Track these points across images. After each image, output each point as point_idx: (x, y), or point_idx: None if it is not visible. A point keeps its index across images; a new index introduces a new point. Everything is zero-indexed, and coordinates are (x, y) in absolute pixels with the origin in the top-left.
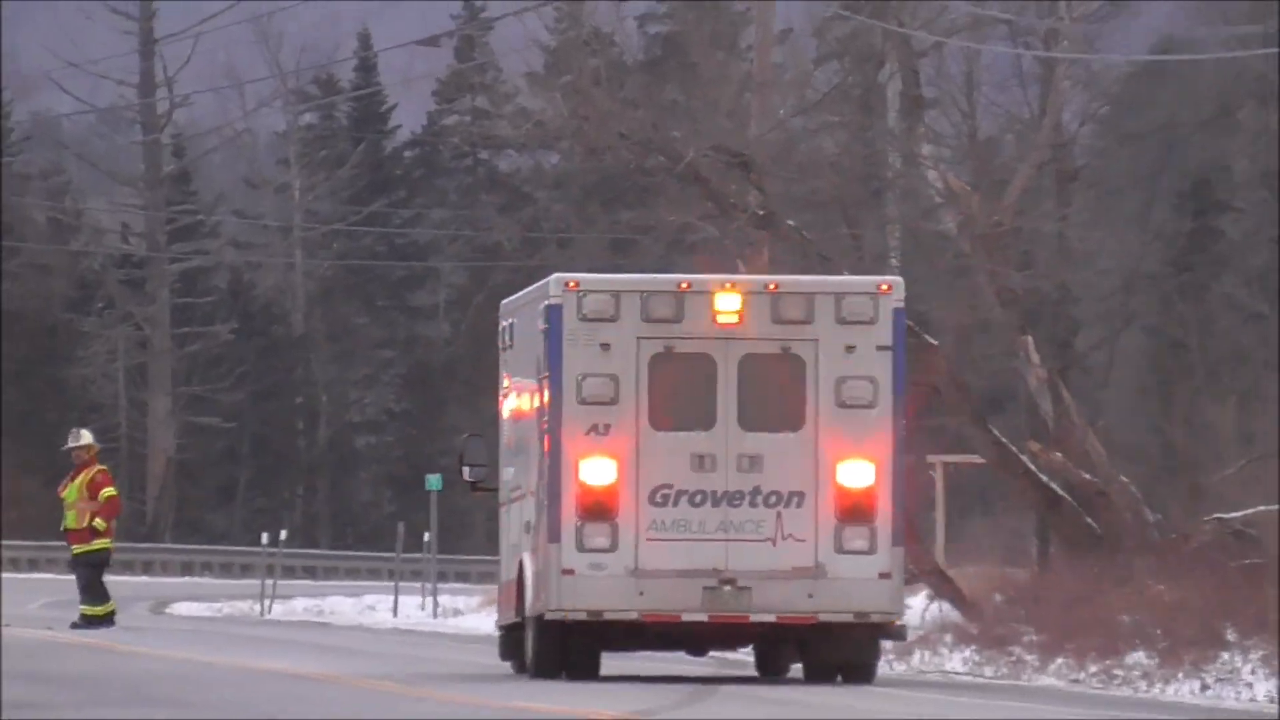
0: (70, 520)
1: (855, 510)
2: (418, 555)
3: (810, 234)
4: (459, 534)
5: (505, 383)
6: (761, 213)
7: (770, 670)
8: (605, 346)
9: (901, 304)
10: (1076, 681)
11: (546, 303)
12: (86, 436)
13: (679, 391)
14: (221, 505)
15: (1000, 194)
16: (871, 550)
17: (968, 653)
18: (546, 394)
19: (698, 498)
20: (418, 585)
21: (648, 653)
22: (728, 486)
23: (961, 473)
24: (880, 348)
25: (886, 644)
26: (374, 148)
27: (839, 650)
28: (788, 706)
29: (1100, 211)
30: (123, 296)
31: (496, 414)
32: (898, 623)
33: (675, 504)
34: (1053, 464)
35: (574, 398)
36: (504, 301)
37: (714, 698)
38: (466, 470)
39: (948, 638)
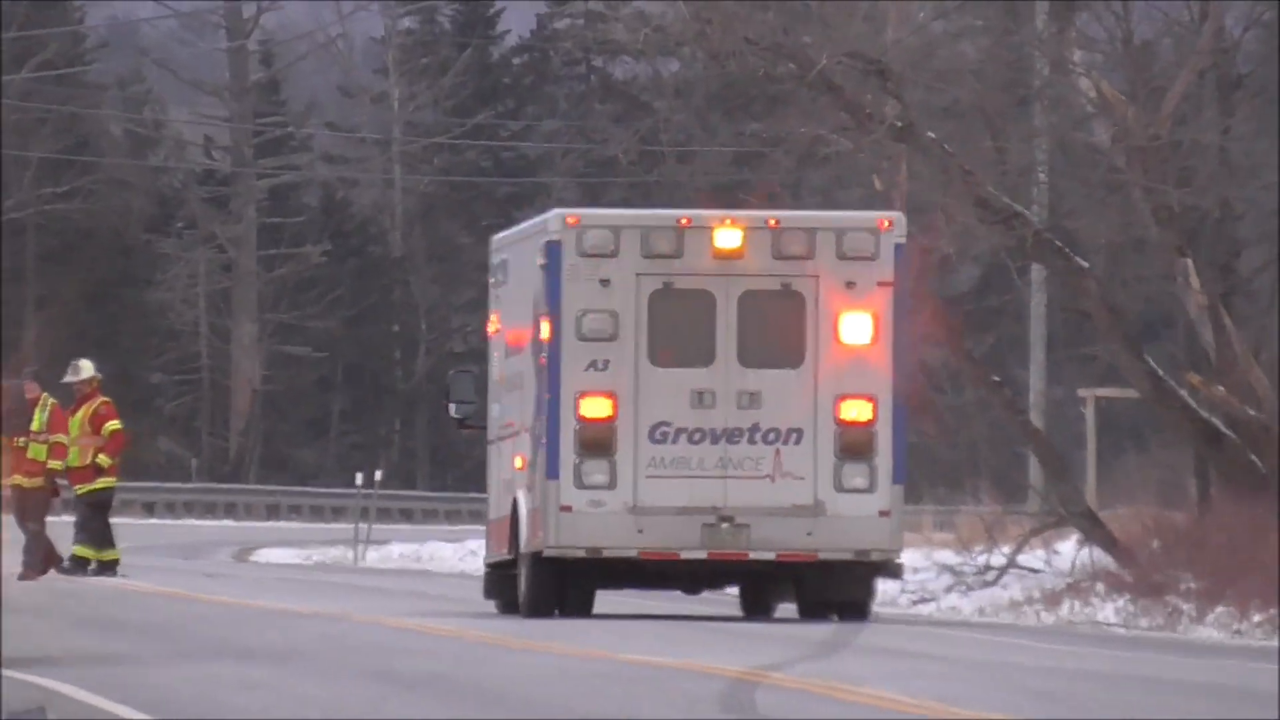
0: (72, 458)
1: (855, 447)
2: None
3: (951, 147)
4: None
5: (495, 319)
6: (899, 124)
7: (756, 610)
8: (605, 282)
9: (903, 239)
10: (1238, 633)
11: (546, 238)
12: (87, 368)
13: (679, 328)
14: (311, 442)
15: (1157, 103)
16: (871, 488)
17: (1121, 602)
18: (545, 330)
19: (696, 435)
20: None
21: (640, 591)
22: (727, 423)
23: (1114, 407)
24: (881, 283)
25: (1032, 593)
26: (479, 54)
27: (836, 588)
28: (918, 660)
29: (1265, 122)
30: (206, 215)
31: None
32: (896, 560)
33: (674, 441)
34: (1214, 397)
35: (574, 334)
36: (495, 237)
37: (843, 652)
38: (453, 407)
39: (1099, 586)
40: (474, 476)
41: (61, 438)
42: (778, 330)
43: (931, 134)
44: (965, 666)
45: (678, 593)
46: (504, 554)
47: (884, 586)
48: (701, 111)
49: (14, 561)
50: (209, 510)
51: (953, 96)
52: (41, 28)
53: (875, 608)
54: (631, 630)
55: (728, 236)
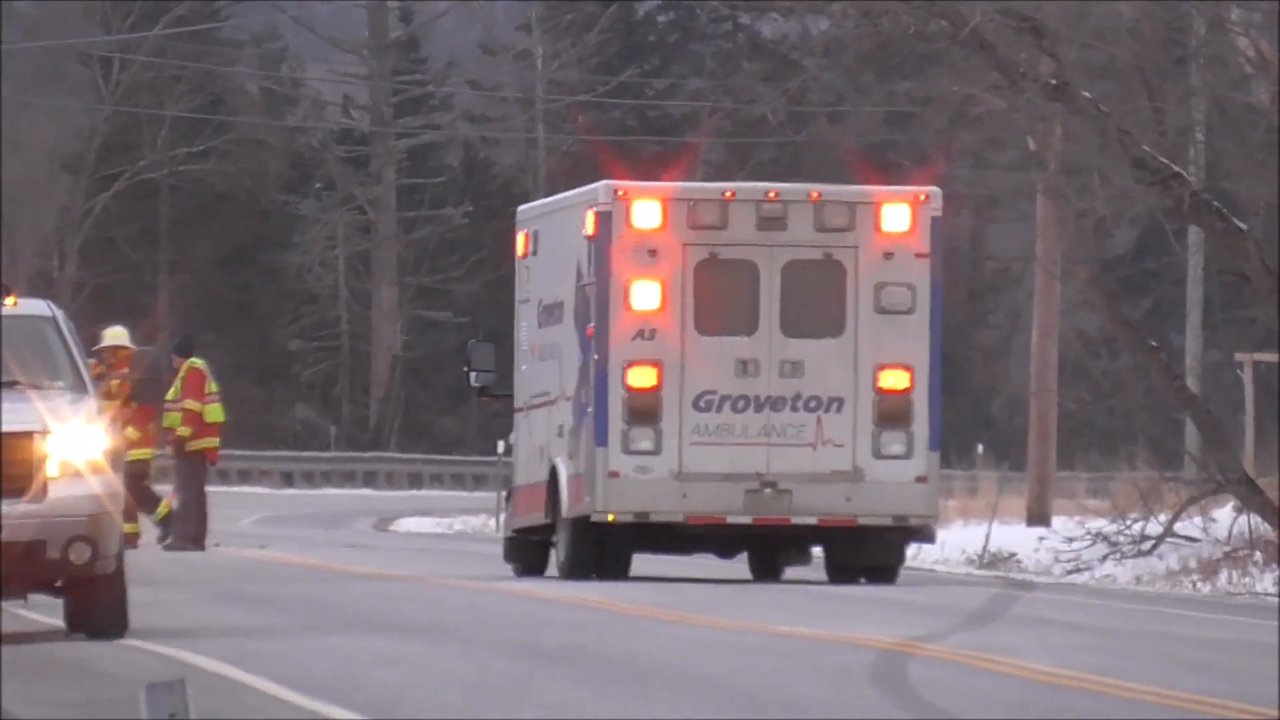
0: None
1: (893, 415)
2: None
3: (1107, 107)
4: None
5: (525, 289)
6: (1054, 83)
7: (764, 574)
8: (653, 253)
9: (940, 213)
10: None
11: (595, 209)
12: (114, 335)
13: (723, 297)
14: (453, 410)
15: None
16: (909, 455)
17: None
18: (592, 300)
19: (740, 403)
20: None
21: (674, 555)
22: (770, 391)
23: (1273, 371)
24: (918, 255)
25: (1189, 562)
26: (625, 11)
27: (868, 552)
28: (1073, 631)
29: None
30: (344, 176)
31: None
32: (932, 525)
33: (719, 409)
34: None
35: (621, 303)
36: (521, 208)
37: (996, 623)
38: (473, 376)
39: (1257, 555)
40: None
41: (191, 404)
42: (819, 300)
43: (1087, 93)
44: (1121, 638)
45: (710, 556)
46: (536, 518)
47: (1038, 555)
48: (851, 70)
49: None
50: (348, 479)
51: (1109, 55)
52: None
53: (1032, 573)
54: (768, 600)
55: (771, 209)
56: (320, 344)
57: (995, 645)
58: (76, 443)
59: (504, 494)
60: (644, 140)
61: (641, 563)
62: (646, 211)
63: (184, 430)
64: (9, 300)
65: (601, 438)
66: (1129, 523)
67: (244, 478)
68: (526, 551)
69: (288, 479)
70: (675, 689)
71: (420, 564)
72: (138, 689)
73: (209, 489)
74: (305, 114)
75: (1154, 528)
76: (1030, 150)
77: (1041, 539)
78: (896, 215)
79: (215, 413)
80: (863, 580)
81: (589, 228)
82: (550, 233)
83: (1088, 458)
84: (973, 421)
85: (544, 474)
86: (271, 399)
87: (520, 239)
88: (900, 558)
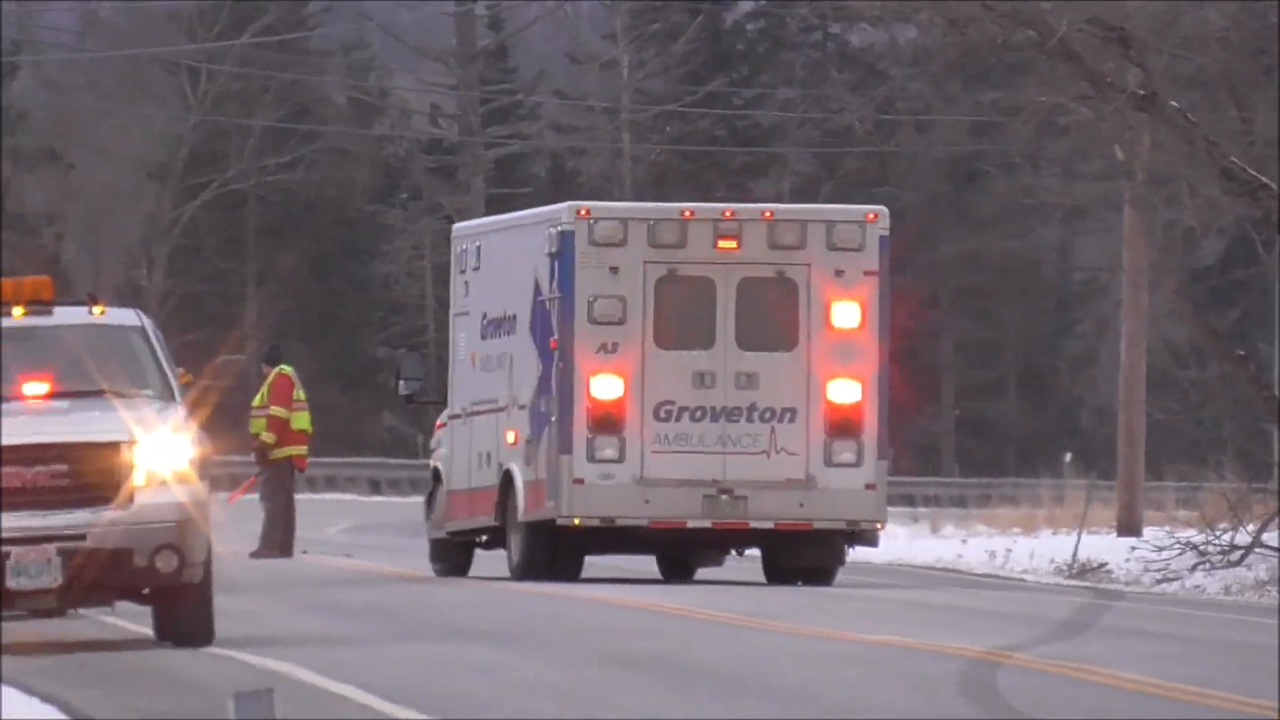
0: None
1: (843, 425)
2: None
3: (1195, 117)
4: None
5: (463, 302)
6: (1142, 93)
7: (675, 575)
8: (614, 270)
9: (887, 232)
10: None
11: (559, 228)
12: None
13: (682, 313)
14: None
15: None
16: (858, 463)
17: None
18: (554, 314)
19: (698, 413)
20: None
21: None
22: (726, 402)
23: None
24: (867, 272)
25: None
26: (712, 20)
27: (809, 555)
28: (1162, 641)
29: None
30: (431, 185)
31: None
32: (877, 530)
33: (678, 419)
34: None
35: (585, 318)
36: (458, 225)
37: (1086, 632)
38: (401, 384)
39: None
40: None
41: (278, 410)
42: (773, 316)
43: (1175, 103)
44: (1210, 648)
45: (646, 558)
46: (480, 521)
47: (1128, 564)
48: (939, 79)
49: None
50: (393, 486)
51: (1197, 64)
52: None
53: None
54: (856, 608)
55: (727, 228)
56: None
57: (1084, 655)
58: (163, 452)
59: (427, 497)
60: (731, 150)
61: (591, 564)
62: (608, 230)
63: (268, 437)
64: (97, 309)
65: (566, 446)
66: (1218, 533)
67: (331, 485)
68: (453, 553)
69: (375, 486)
70: (761, 697)
71: (505, 571)
72: (225, 698)
73: (296, 496)
74: (393, 123)
75: (1242, 538)
76: (1118, 160)
77: (1133, 549)
78: (847, 234)
79: (303, 420)
80: (800, 582)
81: (552, 245)
82: (499, 249)
83: (1176, 468)
84: (1060, 431)
85: (491, 479)
86: (359, 407)
87: (459, 255)
88: (840, 560)
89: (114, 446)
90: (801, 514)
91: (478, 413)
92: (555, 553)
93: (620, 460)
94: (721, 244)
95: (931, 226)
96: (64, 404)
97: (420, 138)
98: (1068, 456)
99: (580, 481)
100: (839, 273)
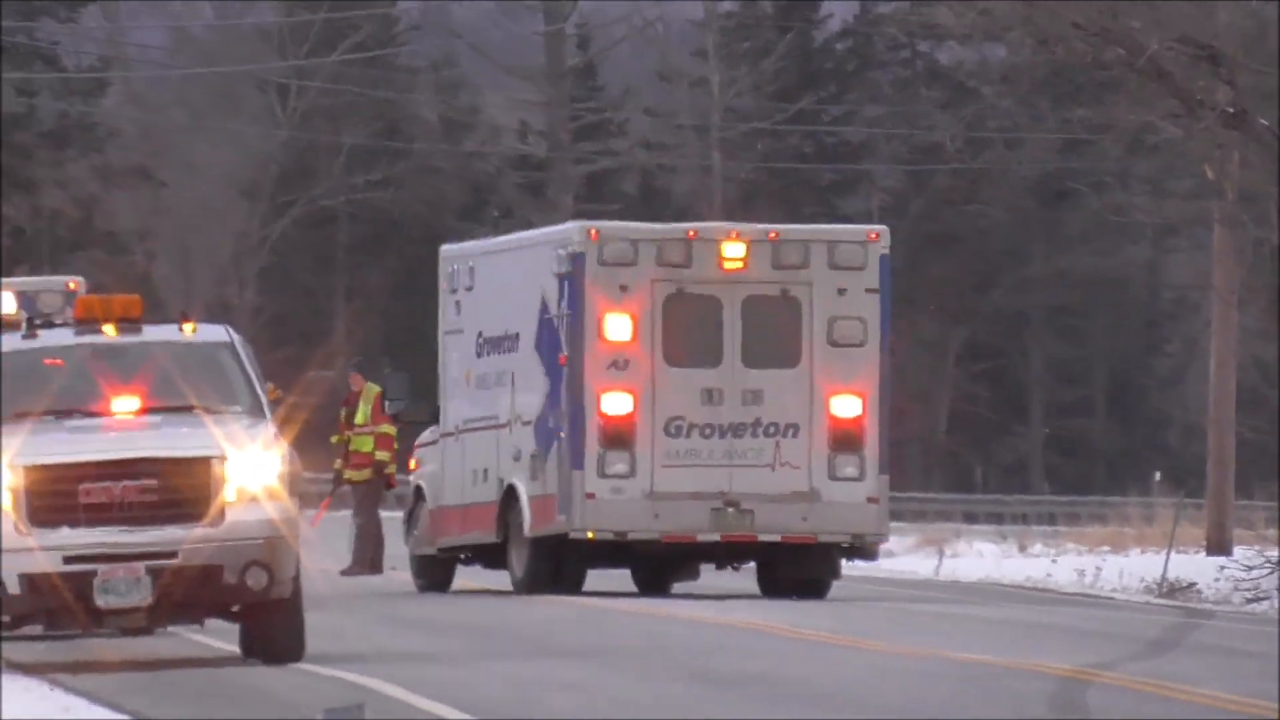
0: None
1: (846, 440)
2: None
3: None
4: (893, 468)
5: (455, 321)
6: (1231, 111)
7: (650, 588)
8: (624, 289)
9: (887, 250)
10: None
11: (570, 249)
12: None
13: (690, 331)
14: None
15: None
16: (860, 477)
17: None
18: (563, 332)
19: (706, 429)
20: None
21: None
22: (733, 418)
23: None
24: (869, 290)
25: None
26: (801, 38)
27: (809, 568)
28: (1254, 660)
29: None
30: (520, 202)
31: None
32: (879, 544)
33: (687, 435)
34: None
35: (596, 335)
36: (446, 248)
37: (1175, 650)
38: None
39: None
40: None
41: (387, 428)
42: (777, 333)
43: (1264, 121)
44: None
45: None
46: (474, 537)
47: (1218, 584)
48: (1028, 98)
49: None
50: None
51: None
52: (354, 9)
53: (1211, 602)
54: (946, 627)
55: (733, 248)
56: None
57: (1173, 673)
58: (253, 468)
59: (407, 514)
60: (820, 168)
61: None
62: (618, 251)
63: (382, 454)
64: (187, 326)
65: (578, 461)
66: None
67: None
68: (437, 569)
69: None
70: (852, 715)
71: (598, 589)
72: (316, 714)
73: (384, 514)
74: (482, 140)
75: None
76: (1207, 178)
77: (1222, 568)
78: (849, 253)
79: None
80: (794, 596)
81: (562, 265)
82: (497, 270)
83: (1266, 486)
84: (1149, 449)
85: (490, 494)
86: None
87: (451, 274)
88: (836, 574)
89: (204, 462)
90: (806, 527)
91: (473, 429)
92: (561, 566)
93: (631, 475)
94: (727, 263)
95: (1020, 244)
96: (154, 420)
97: (509, 155)
98: (1157, 475)
99: (592, 496)
100: (841, 291)
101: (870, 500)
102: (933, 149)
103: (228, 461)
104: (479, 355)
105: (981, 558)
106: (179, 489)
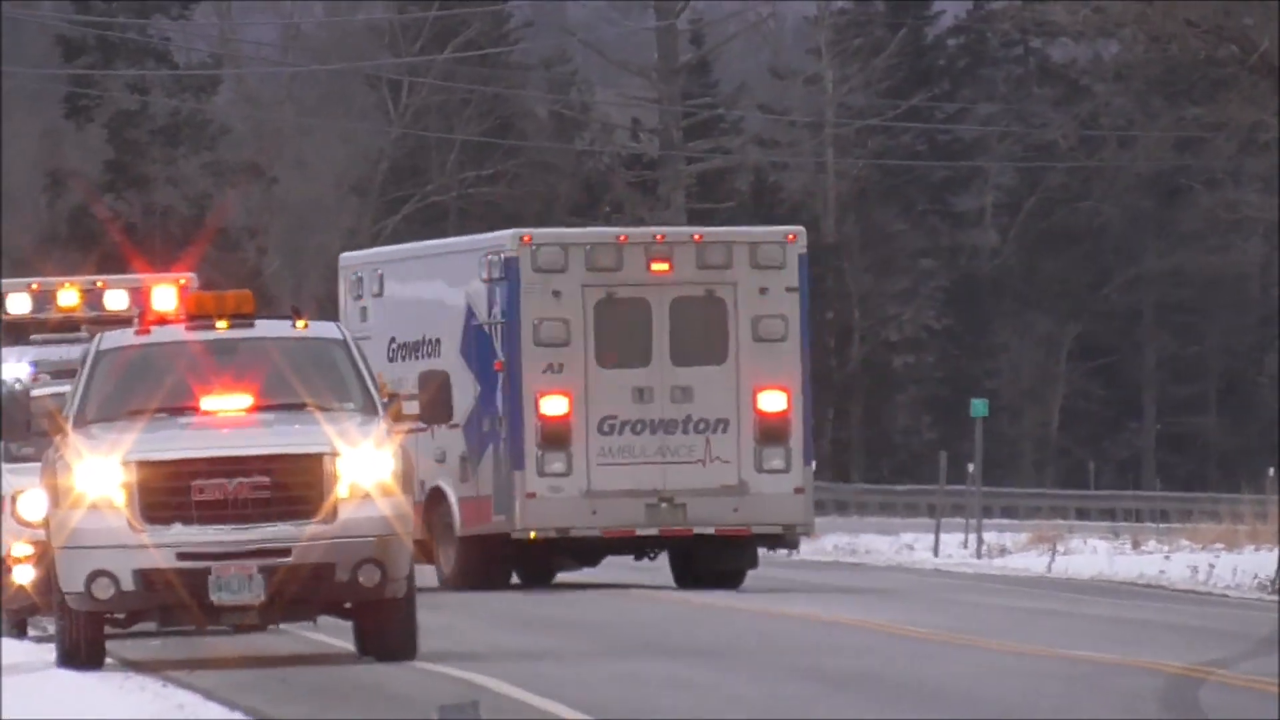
0: None
1: (772, 433)
2: (960, 488)
3: None
4: (1005, 465)
5: (361, 327)
6: None
7: (533, 581)
8: (556, 294)
9: (804, 251)
10: None
11: (504, 255)
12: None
13: (620, 332)
14: None
15: None
16: (787, 468)
17: None
18: (499, 337)
19: (638, 426)
20: (960, 521)
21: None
22: (664, 415)
23: None
24: (789, 289)
25: None
26: (914, 35)
27: (728, 558)
28: None
29: None
30: (632, 200)
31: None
32: (802, 533)
33: (620, 433)
34: None
35: (531, 340)
36: (348, 254)
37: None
38: None
39: None
40: (910, 468)
41: None
42: (704, 332)
43: None
44: None
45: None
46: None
47: None
48: (1142, 95)
49: None
50: None
51: None
52: (466, 7)
53: None
54: (1057, 624)
55: (659, 250)
56: None
57: None
58: (366, 465)
59: None
60: (933, 165)
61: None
62: (550, 256)
63: None
64: (299, 323)
65: (518, 462)
66: None
67: None
68: None
69: None
70: (964, 713)
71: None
72: (429, 712)
73: None
74: (594, 138)
75: None
76: None
77: None
78: (770, 253)
79: None
80: (711, 587)
81: (494, 272)
82: (410, 276)
83: None
84: (1263, 446)
85: (422, 495)
86: None
87: (350, 283)
88: (754, 564)
89: (316, 459)
90: (737, 519)
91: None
92: (489, 563)
93: (568, 474)
94: (654, 266)
95: (1133, 241)
96: (266, 416)
97: (621, 152)
98: (1271, 471)
99: (533, 495)
100: (763, 290)
101: (797, 491)
102: (1046, 146)
103: (340, 458)
104: (391, 360)
105: (1094, 554)
106: (292, 486)
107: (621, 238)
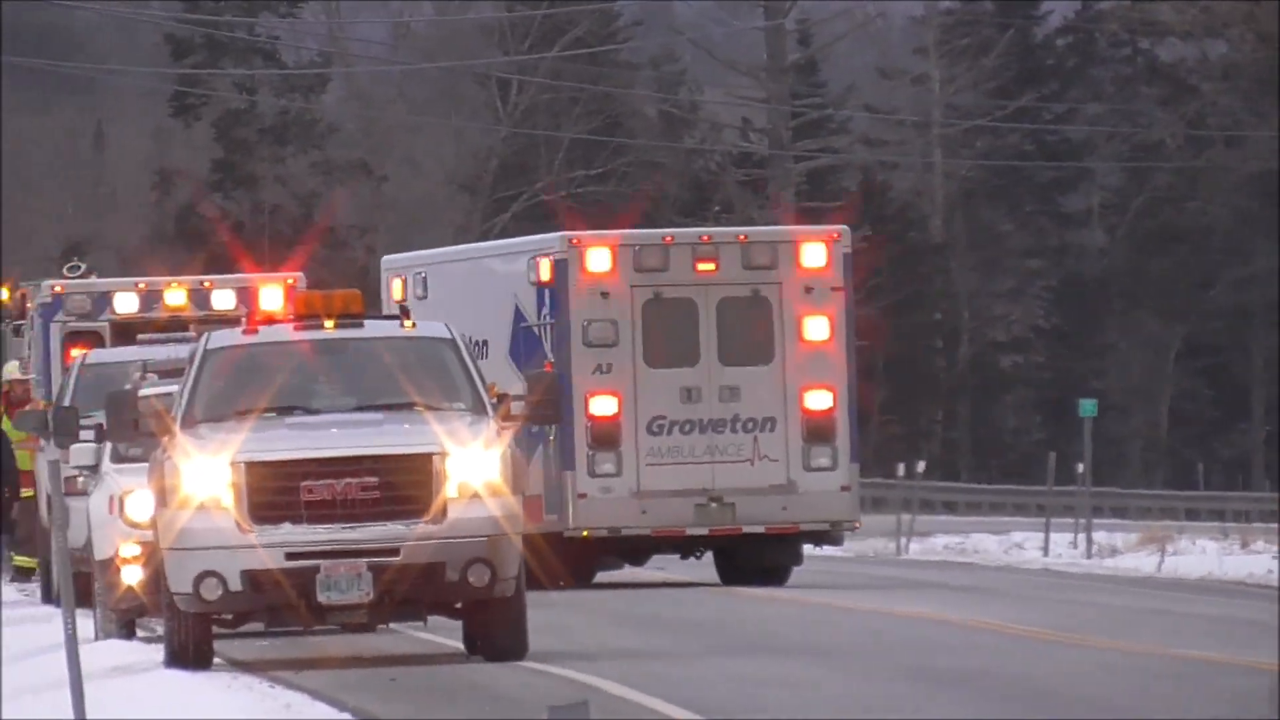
0: (25, 461)
1: (819, 432)
2: (1070, 488)
3: None
4: (1114, 464)
5: None
6: None
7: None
8: (605, 295)
9: (849, 249)
10: None
11: (551, 256)
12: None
13: (668, 332)
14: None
15: None
16: (834, 466)
17: None
18: (548, 339)
19: (686, 426)
20: (1069, 521)
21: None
22: (712, 415)
23: None
24: (834, 288)
25: None
26: (1022, 35)
27: (774, 555)
28: None
29: None
30: (742, 199)
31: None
32: (849, 529)
33: (669, 433)
34: None
35: (581, 341)
36: (390, 257)
37: None
38: None
39: None
40: (1018, 467)
41: None
42: (750, 332)
43: None
44: None
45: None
46: None
47: None
48: (1249, 94)
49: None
50: None
51: None
52: (574, 6)
53: None
54: (1167, 623)
55: (705, 250)
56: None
57: None
58: (475, 465)
59: None
60: (1041, 165)
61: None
62: (599, 257)
63: None
64: (407, 322)
65: (569, 462)
66: None
67: None
68: None
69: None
70: (1075, 712)
71: (821, 586)
72: (539, 712)
73: None
74: (703, 137)
75: None
76: None
77: None
78: (814, 253)
79: None
80: (757, 583)
81: (543, 274)
82: (456, 279)
83: None
84: None
85: None
86: None
87: (397, 284)
88: (799, 560)
89: (425, 459)
90: (785, 517)
91: None
92: (544, 561)
93: (618, 474)
94: (700, 266)
95: (1241, 241)
96: (375, 416)
97: (730, 151)
98: None
99: (584, 495)
100: (808, 290)
101: (844, 488)
102: (1153, 146)
103: (450, 458)
104: None
105: (1203, 554)
106: (401, 486)
107: (667, 238)
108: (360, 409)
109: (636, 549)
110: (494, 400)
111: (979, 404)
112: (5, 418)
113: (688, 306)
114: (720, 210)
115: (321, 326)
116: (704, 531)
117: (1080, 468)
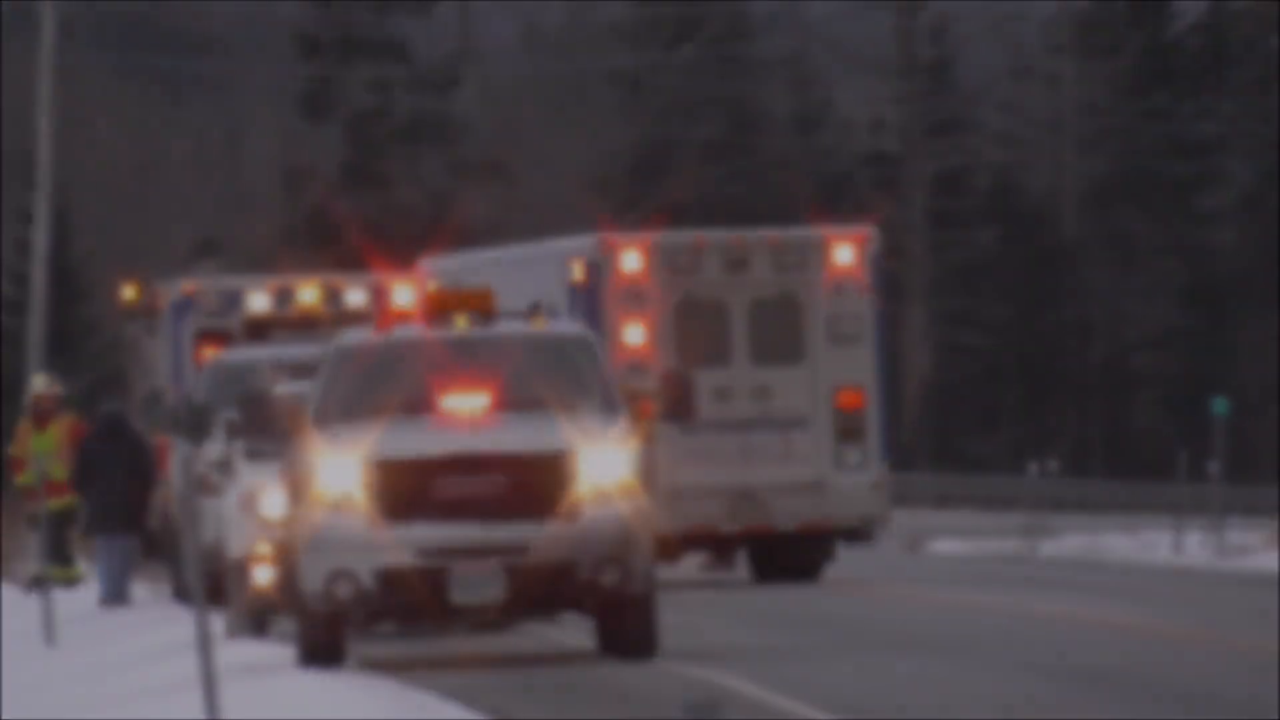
0: (57, 471)
1: (850, 431)
2: (1202, 486)
3: None
4: (1246, 463)
5: None
6: None
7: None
8: (638, 297)
9: (877, 250)
10: None
11: (584, 259)
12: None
13: (700, 333)
14: (982, 431)
15: None
16: (864, 465)
17: None
18: None
19: (720, 426)
20: (1202, 520)
21: None
22: (744, 414)
23: None
24: (863, 289)
25: None
26: (1155, 33)
27: (806, 553)
28: None
29: None
30: (873, 198)
31: None
32: (880, 527)
33: (702, 432)
34: None
35: (615, 343)
36: (428, 260)
37: None
38: None
39: None
40: (1150, 466)
41: None
42: (781, 332)
43: None
44: None
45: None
46: None
47: None
48: None
49: None
50: None
51: None
52: (707, 5)
53: None
54: None
55: (736, 252)
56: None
57: None
58: (607, 464)
59: None
60: (1175, 164)
61: None
62: (631, 260)
63: None
64: (538, 321)
65: None
66: None
67: None
68: None
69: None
70: (1213, 712)
71: (955, 585)
72: (671, 711)
73: None
74: (834, 136)
75: None
76: None
77: None
78: (843, 254)
79: None
80: (789, 580)
81: (577, 276)
82: (492, 280)
83: None
84: None
85: None
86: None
87: (432, 287)
88: (831, 557)
89: (556, 457)
90: (816, 514)
91: None
92: None
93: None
94: (732, 268)
95: None
96: (506, 414)
97: (862, 150)
98: None
99: None
100: (838, 290)
101: (875, 486)
102: None
103: (581, 457)
104: None
105: None
106: (532, 484)
107: (699, 240)
108: (492, 407)
109: (669, 547)
110: (625, 398)
111: (1112, 403)
112: (34, 433)
113: (719, 307)
114: (852, 209)
115: (453, 325)
116: (737, 529)
117: (1212, 466)
